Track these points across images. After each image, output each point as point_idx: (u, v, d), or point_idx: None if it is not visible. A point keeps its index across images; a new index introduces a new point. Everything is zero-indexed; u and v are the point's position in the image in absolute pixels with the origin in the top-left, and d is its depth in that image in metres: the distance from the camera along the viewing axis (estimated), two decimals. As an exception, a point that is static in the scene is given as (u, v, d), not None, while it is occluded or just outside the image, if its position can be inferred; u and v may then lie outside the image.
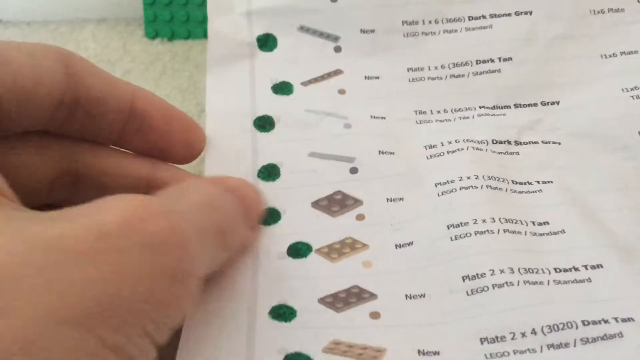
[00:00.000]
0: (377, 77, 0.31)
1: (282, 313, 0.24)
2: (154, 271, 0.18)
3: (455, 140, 0.29)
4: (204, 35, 0.38)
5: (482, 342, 0.23)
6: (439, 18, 0.32)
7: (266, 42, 0.32)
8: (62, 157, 0.25)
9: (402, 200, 0.27)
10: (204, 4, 0.38)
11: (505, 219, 0.26)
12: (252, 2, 0.33)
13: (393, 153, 0.28)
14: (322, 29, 0.32)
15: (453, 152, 0.28)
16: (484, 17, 0.32)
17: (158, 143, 0.27)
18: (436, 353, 0.23)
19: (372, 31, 0.32)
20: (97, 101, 0.25)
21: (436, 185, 0.27)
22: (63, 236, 0.17)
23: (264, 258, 0.25)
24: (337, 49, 0.32)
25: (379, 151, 0.28)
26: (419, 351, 0.23)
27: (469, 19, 0.32)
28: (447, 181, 0.27)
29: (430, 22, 0.32)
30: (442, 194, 0.27)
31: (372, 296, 0.24)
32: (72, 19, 0.40)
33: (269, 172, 0.28)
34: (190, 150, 0.28)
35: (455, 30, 0.32)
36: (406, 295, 0.24)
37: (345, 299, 0.24)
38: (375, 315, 0.24)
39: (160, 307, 0.18)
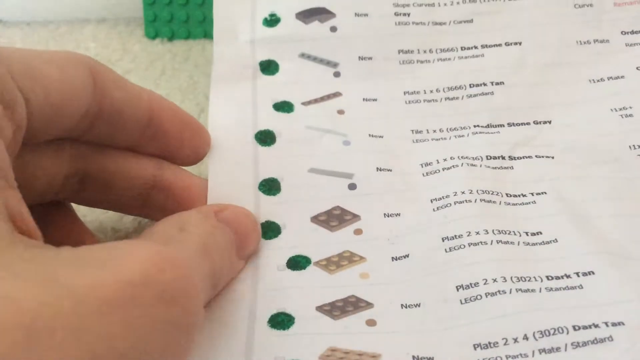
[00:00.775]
0: (375, 99, 0.31)
1: (281, 321, 0.23)
2: (168, 323, 0.18)
3: (450, 157, 0.28)
4: (204, 35, 0.38)
5: (475, 348, 0.22)
6: (433, 48, 0.32)
7: (268, 67, 0.32)
8: (73, 157, 0.25)
9: (399, 215, 0.27)
10: (204, 4, 0.38)
11: (499, 231, 0.25)
12: (255, 32, 0.33)
13: (390, 170, 0.28)
14: (322, 56, 0.32)
15: (448, 168, 0.28)
16: (475, 47, 0.32)
17: (169, 147, 0.26)
18: (430, 359, 0.22)
19: (370, 58, 0.32)
20: (119, 112, 0.24)
21: (431, 201, 0.27)
22: (91, 287, 0.16)
23: (264, 269, 0.25)
24: (337, 74, 0.32)
25: (377, 168, 0.28)
26: (413, 357, 0.22)
27: (462, 49, 0.32)
28: (442, 197, 0.27)
29: (425, 51, 0.32)
30: (438, 209, 0.27)
31: (369, 305, 0.24)
32: (72, 19, 0.39)
33: (270, 187, 0.27)
34: (196, 154, 0.27)
35: (449, 59, 0.32)
36: (402, 305, 0.24)
37: (342, 307, 0.24)
38: (371, 322, 0.23)
39: (169, 358, 0.18)
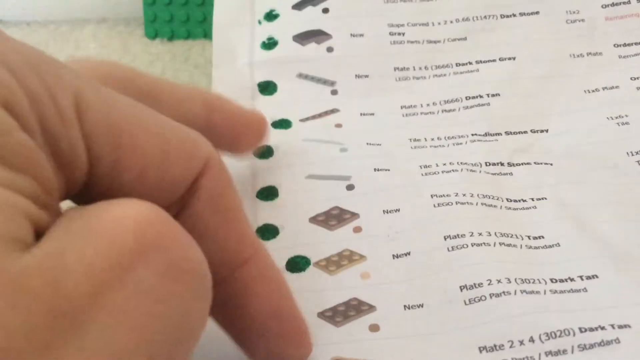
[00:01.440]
0: (372, 114, 0.30)
1: None
2: (182, 309, 0.15)
3: (450, 163, 0.27)
4: (204, 35, 0.37)
5: (480, 351, 0.21)
6: (429, 65, 0.32)
7: (267, 88, 0.31)
8: None
9: (398, 211, 0.25)
10: (203, 4, 0.37)
11: (501, 234, 0.24)
12: (254, 54, 0.32)
13: (388, 170, 0.27)
14: (320, 75, 0.32)
15: (447, 172, 0.27)
16: (470, 63, 0.32)
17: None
18: None
19: (366, 76, 0.32)
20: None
21: (432, 197, 0.26)
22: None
23: None
24: (334, 92, 0.31)
25: (375, 169, 0.27)
26: None
27: (457, 65, 0.32)
28: (443, 194, 0.26)
29: (420, 68, 0.32)
30: (438, 205, 0.25)
31: (371, 308, 0.22)
32: (72, 19, 0.39)
33: (268, 193, 0.26)
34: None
35: (444, 75, 0.32)
36: (405, 306, 0.22)
37: (344, 312, 0.22)
38: (374, 327, 0.22)
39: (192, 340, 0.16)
